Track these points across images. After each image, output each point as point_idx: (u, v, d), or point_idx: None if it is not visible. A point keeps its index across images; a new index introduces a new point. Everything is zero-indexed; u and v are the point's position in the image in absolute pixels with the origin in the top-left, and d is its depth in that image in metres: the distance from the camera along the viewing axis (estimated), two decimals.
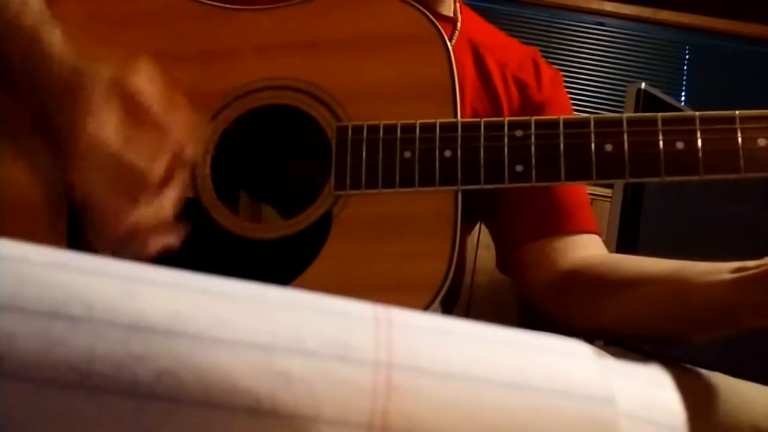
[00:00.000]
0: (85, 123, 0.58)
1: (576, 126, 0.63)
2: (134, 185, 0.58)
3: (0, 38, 0.63)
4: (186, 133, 0.61)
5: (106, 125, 0.58)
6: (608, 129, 0.63)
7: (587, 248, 0.78)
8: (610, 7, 2.67)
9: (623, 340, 0.75)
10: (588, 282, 0.74)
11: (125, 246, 0.59)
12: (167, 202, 0.60)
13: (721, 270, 0.61)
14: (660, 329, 0.68)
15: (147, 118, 0.59)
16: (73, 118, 0.59)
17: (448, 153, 0.64)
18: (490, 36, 0.86)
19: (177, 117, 0.61)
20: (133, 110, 0.59)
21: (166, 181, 0.60)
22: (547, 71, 0.85)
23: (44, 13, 0.64)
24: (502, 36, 0.90)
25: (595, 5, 2.68)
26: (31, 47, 0.62)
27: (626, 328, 0.70)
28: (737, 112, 0.61)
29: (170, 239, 0.61)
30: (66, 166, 0.60)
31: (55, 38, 0.62)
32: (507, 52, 0.84)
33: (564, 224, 0.79)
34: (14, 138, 0.69)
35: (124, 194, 0.58)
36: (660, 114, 0.62)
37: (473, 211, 0.85)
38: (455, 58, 0.74)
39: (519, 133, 0.63)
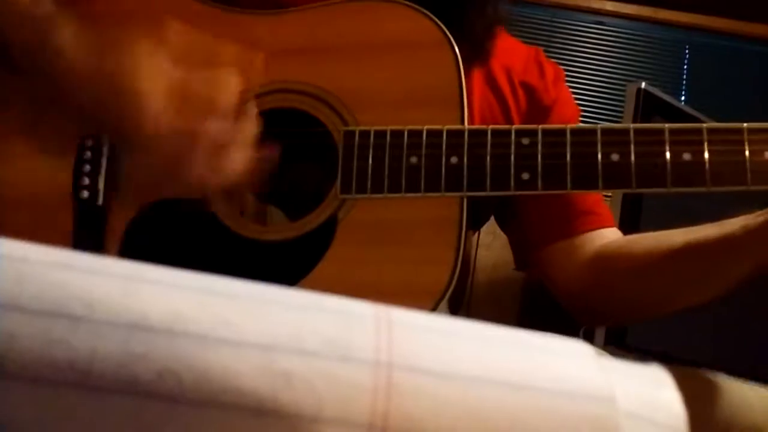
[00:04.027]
0: (137, 77, 0.57)
1: (583, 135, 0.63)
2: (207, 111, 0.57)
3: (13, 30, 0.63)
4: (240, 63, 0.60)
5: (159, 70, 0.57)
6: (615, 138, 0.63)
7: (607, 239, 0.79)
8: (610, 6, 2.67)
9: (625, 339, 0.76)
10: (614, 257, 0.76)
11: (216, 171, 0.59)
12: (249, 120, 0.60)
13: (731, 223, 0.64)
14: (684, 288, 0.70)
15: (198, 53, 0.59)
16: (118, 84, 0.57)
17: (454, 159, 0.63)
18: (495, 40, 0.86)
19: (226, 49, 0.60)
20: (180, 51, 0.58)
21: (239, 106, 0.59)
22: (549, 71, 0.85)
23: (55, 6, 0.64)
24: (505, 38, 0.89)
25: (596, 4, 2.68)
26: (46, 36, 0.61)
27: (651, 297, 0.72)
28: (745, 124, 0.62)
29: (265, 152, 0.61)
30: (124, 132, 0.58)
31: (69, 28, 0.61)
32: (511, 56, 0.84)
33: (582, 223, 0.79)
34: (20, 135, 0.69)
35: (200, 122, 0.57)
36: (667, 125, 0.63)
37: (478, 217, 0.85)
38: (471, 76, 0.73)
39: (525, 141, 0.63)
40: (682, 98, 2.61)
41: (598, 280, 0.76)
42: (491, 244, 0.90)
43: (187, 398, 0.22)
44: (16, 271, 0.24)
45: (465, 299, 1.01)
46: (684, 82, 2.65)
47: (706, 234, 0.66)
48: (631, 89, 1.14)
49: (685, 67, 2.66)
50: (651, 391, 0.25)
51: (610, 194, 1.13)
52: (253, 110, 0.62)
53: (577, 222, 0.79)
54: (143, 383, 0.22)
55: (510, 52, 0.85)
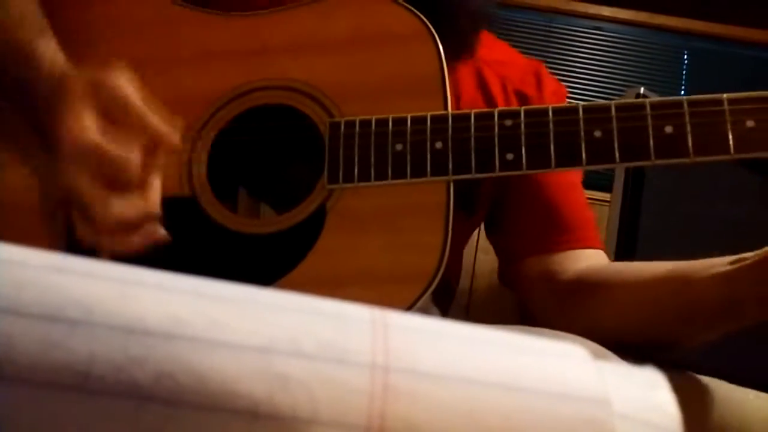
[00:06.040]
0: (65, 122, 0.59)
1: (565, 113, 0.64)
2: (116, 176, 0.59)
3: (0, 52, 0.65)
4: (162, 127, 0.61)
5: (84, 123, 0.59)
6: (597, 115, 0.63)
7: (589, 261, 0.78)
8: (608, 11, 2.68)
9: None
10: (588, 290, 0.74)
11: (115, 240, 0.60)
12: (152, 192, 0.61)
13: (719, 263, 0.61)
14: (662, 331, 0.68)
15: (124, 114, 0.60)
16: (56, 120, 0.60)
17: (439, 144, 0.64)
18: (493, 51, 0.86)
19: (152, 112, 0.61)
20: (110, 108, 0.60)
21: (147, 171, 0.60)
22: (549, 85, 0.85)
23: (41, 25, 0.65)
24: (506, 51, 0.90)
25: (593, 10, 2.68)
26: (25, 58, 0.64)
27: (628, 333, 0.70)
28: (725, 95, 0.62)
29: (159, 232, 0.61)
30: (55, 167, 0.61)
31: (49, 49, 0.64)
32: (508, 67, 0.84)
33: (565, 240, 0.78)
34: (14, 139, 0.70)
35: (107, 186, 0.59)
36: (648, 99, 0.63)
37: (470, 204, 0.85)
38: (456, 72, 0.73)
39: (508, 122, 0.64)
40: None
41: (567, 301, 0.74)
42: (490, 249, 0.90)
43: (185, 401, 0.23)
44: (15, 275, 0.24)
45: (462, 302, 1.01)
46: (682, 86, 2.66)
47: (694, 283, 0.63)
48: (629, 94, 1.15)
49: (684, 71, 2.66)
50: (646, 392, 0.25)
51: (608, 200, 1.13)
52: (154, 193, 0.62)
53: (560, 238, 0.78)
54: (141, 386, 0.22)
55: (508, 63, 0.85)
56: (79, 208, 0.60)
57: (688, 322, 0.65)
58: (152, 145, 0.61)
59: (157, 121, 0.61)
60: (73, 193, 0.60)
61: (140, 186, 0.60)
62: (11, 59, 0.64)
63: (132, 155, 0.59)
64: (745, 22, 2.60)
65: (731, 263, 0.60)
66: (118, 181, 0.59)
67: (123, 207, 0.60)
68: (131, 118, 0.61)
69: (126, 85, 0.61)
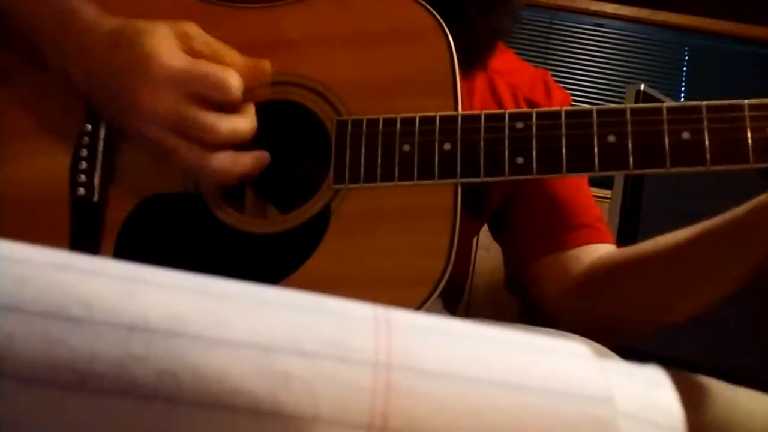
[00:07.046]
0: (154, 55, 0.61)
1: (578, 117, 0.62)
2: (215, 95, 0.61)
3: (32, 11, 0.65)
4: (250, 59, 0.65)
5: (175, 52, 0.61)
6: (611, 119, 0.61)
7: (601, 253, 0.78)
8: (609, 8, 2.68)
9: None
10: (607, 273, 0.74)
11: (224, 161, 0.62)
12: (252, 115, 0.64)
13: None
14: (680, 292, 0.68)
15: (210, 51, 0.63)
16: (135, 64, 0.61)
17: (447, 146, 0.63)
18: (503, 60, 0.86)
19: (234, 54, 0.65)
20: (194, 46, 0.63)
21: (239, 103, 0.63)
22: (557, 92, 0.85)
23: None
24: (514, 59, 0.89)
25: (595, 7, 2.68)
26: (64, 12, 0.64)
27: (657, 305, 0.70)
28: (746, 101, 0.60)
29: (266, 157, 0.65)
30: (134, 112, 0.62)
31: (85, 5, 0.65)
32: (518, 76, 0.84)
33: (578, 236, 0.78)
34: (21, 135, 0.69)
35: (208, 109, 0.61)
36: (665, 104, 0.61)
37: (478, 208, 0.85)
38: (470, 81, 0.73)
39: (520, 125, 0.62)
40: (682, 100, 2.62)
41: (599, 289, 0.74)
42: (490, 246, 0.90)
43: (186, 399, 0.22)
44: (17, 272, 0.24)
45: (463, 300, 1.01)
46: (683, 83, 2.66)
47: (712, 223, 0.64)
48: (630, 91, 1.14)
49: (685, 68, 2.66)
50: (649, 391, 0.25)
51: (609, 197, 1.13)
52: (251, 111, 0.64)
53: (573, 235, 0.78)
54: (142, 384, 0.22)
55: (517, 72, 0.85)
56: (184, 130, 0.61)
57: (710, 276, 0.66)
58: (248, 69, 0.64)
59: (242, 56, 0.64)
60: (172, 117, 0.60)
61: (240, 108, 0.63)
62: (46, 12, 0.65)
63: (232, 75, 0.62)
64: (746, 18, 2.60)
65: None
66: (216, 101, 0.61)
67: (233, 124, 0.62)
68: (218, 53, 0.63)
69: (202, 31, 0.63)
